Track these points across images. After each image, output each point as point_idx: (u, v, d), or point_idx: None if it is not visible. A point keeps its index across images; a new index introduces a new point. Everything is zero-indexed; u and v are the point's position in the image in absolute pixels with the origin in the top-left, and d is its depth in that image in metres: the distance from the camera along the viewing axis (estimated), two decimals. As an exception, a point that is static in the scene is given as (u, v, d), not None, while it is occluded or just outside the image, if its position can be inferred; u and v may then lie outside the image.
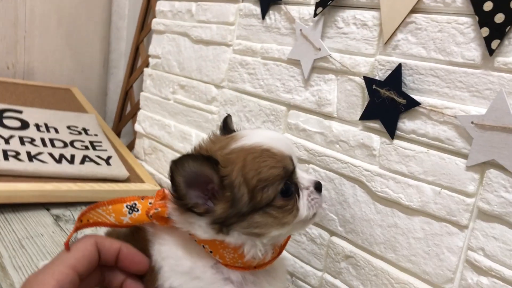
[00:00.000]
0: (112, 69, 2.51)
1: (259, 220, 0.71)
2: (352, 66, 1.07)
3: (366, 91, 1.04)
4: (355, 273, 1.09)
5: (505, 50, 0.83)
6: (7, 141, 1.56)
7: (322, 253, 1.17)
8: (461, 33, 0.89)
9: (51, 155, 1.57)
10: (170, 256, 0.75)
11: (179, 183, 0.69)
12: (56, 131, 1.75)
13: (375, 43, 1.04)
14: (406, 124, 0.98)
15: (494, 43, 0.83)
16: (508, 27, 0.81)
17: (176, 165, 0.68)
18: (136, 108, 2.03)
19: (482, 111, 0.86)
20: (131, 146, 2.01)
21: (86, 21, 2.37)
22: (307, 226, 0.85)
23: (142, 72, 2.02)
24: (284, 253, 0.88)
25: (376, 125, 1.03)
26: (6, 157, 1.47)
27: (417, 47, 0.97)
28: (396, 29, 1.00)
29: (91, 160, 1.63)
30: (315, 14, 1.13)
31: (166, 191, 0.77)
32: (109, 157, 1.69)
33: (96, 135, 1.84)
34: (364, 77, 1.04)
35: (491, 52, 0.84)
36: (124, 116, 2.26)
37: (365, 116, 1.05)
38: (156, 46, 1.78)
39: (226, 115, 0.96)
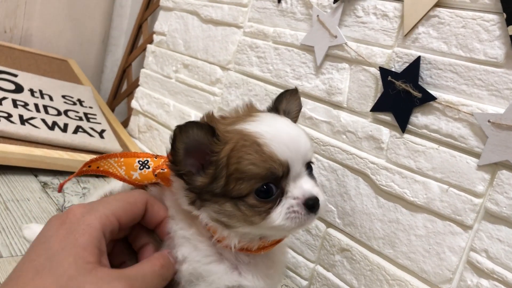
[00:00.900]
0: (111, 46, 2.46)
1: (228, 209, 0.68)
2: (368, 57, 1.05)
3: (380, 82, 1.02)
4: (349, 267, 1.07)
5: (531, 50, 0.82)
6: (0, 102, 1.51)
7: (316, 244, 1.14)
8: (485, 30, 0.88)
9: (43, 121, 1.52)
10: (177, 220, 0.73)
11: (179, 149, 0.67)
12: (51, 98, 1.70)
13: (394, 35, 1.02)
14: (419, 118, 0.96)
15: (521, 42, 0.82)
16: (537, 27, 0.80)
17: (181, 131, 0.66)
18: (133, 86, 1.99)
19: (500, 111, 0.85)
20: (125, 124, 1.96)
21: (91, -6, 2.33)
22: (289, 233, 0.76)
23: (143, 50, 1.98)
24: (287, 240, 0.84)
25: (387, 117, 1.01)
26: (-3, 117, 1.42)
27: (438, 42, 0.95)
28: (418, 22, 0.98)
29: (85, 131, 1.58)
30: (335, 1, 1.11)
31: None
32: (102, 131, 1.65)
33: (91, 107, 1.79)
34: (380, 67, 1.02)
35: (516, 50, 0.83)
36: (119, 94, 2.21)
37: (376, 108, 1.03)
38: (162, 23, 1.75)
39: (279, 94, 0.85)
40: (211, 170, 0.68)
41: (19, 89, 1.66)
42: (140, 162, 0.76)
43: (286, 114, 0.82)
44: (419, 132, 0.96)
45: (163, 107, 1.67)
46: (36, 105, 1.60)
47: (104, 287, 0.57)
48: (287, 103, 0.82)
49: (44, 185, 1.36)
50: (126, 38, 2.29)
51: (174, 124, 1.56)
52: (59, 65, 2.11)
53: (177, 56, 1.64)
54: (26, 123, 1.46)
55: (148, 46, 1.82)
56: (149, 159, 0.76)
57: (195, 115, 1.53)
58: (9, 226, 1.09)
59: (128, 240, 0.73)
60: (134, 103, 1.83)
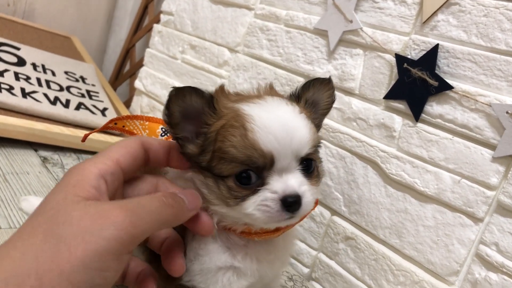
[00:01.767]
0: (115, 26, 2.43)
1: (210, 184, 0.66)
2: (384, 43, 1.03)
3: (395, 69, 1.00)
4: (353, 255, 1.05)
5: (555, 41, 0.80)
6: (1, 73, 1.47)
7: (320, 232, 1.13)
8: (508, 20, 0.86)
9: (45, 95, 1.49)
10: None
11: (173, 112, 0.65)
12: (53, 73, 1.67)
13: (411, 22, 1.00)
14: (433, 107, 0.94)
15: (545, 32, 0.80)
16: None
17: (176, 94, 0.64)
18: (136, 67, 1.96)
19: (519, 102, 0.83)
20: (126, 105, 1.93)
21: (97, -29, 2.29)
22: (265, 225, 0.68)
23: (148, 31, 1.95)
24: (297, 228, 0.82)
25: (400, 105, 0.99)
26: (-1, 89, 1.39)
27: (457, 30, 0.93)
28: (438, 10, 0.96)
29: (87, 108, 1.55)
30: (352, -15, 1.09)
31: None
32: (105, 109, 1.62)
33: (93, 85, 1.76)
34: (396, 54, 1.00)
35: (540, 41, 0.81)
36: (121, 75, 2.18)
37: (390, 95, 1.01)
38: (170, 2, 1.71)
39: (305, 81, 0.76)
40: (200, 141, 0.67)
41: (21, 62, 1.62)
42: (163, 129, 0.76)
43: (312, 105, 0.75)
44: (433, 121, 0.94)
45: (167, 87, 1.64)
46: (38, 79, 1.57)
47: (92, 211, 0.53)
48: (314, 92, 0.75)
49: (44, 160, 1.33)
50: (130, 19, 2.26)
51: (178, 105, 1.54)
52: (62, 42, 2.07)
53: (184, 37, 1.61)
54: (28, 97, 1.43)
55: (155, 25, 1.79)
56: None
57: (200, 97, 1.51)
58: (8, 198, 1.06)
59: None
60: (137, 83, 1.81)
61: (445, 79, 0.92)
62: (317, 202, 0.79)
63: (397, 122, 1.00)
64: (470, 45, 0.91)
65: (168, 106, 0.65)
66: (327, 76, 0.76)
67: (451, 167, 0.91)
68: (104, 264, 0.51)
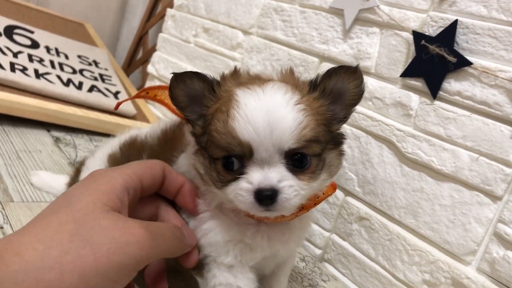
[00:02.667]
0: (128, 14, 2.43)
1: (207, 165, 0.67)
2: (401, 21, 1.01)
3: (412, 47, 0.98)
4: (367, 236, 1.03)
5: None
6: (15, 55, 1.48)
7: (333, 213, 1.11)
8: (531, -7, 0.84)
9: (59, 77, 1.49)
10: None
11: (177, 96, 0.68)
12: (66, 57, 1.67)
13: (430, -2, 0.98)
14: (451, 84, 0.92)
15: None
16: None
17: (176, 79, 0.67)
18: (149, 54, 1.95)
19: (541, 77, 0.81)
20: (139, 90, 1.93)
21: (111, -42, 2.29)
22: (251, 212, 0.66)
23: (161, 18, 1.94)
24: (313, 212, 0.80)
25: (417, 83, 0.97)
26: (13, 69, 1.39)
27: (477, 6, 0.91)
28: (457, -15, 0.94)
29: (99, 90, 1.55)
30: (369, -38, 1.07)
31: None
32: (117, 92, 1.62)
33: (106, 69, 1.76)
34: (413, 31, 0.98)
35: None
36: (134, 61, 2.18)
37: (407, 73, 0.99)
38: (184, -14, 1.71)
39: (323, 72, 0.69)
40: (201, 123, 0.68)
41: (35, 45, 1.63)
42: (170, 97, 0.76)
43: (335, 96, 0.68)
44: (451, 98, 0.92)
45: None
46: (51, 62, 1.57)
47: (121, 225, 0.56)
48: (337, 81, 0.67)
49: (57, 139, 1.33)
50: (143, 7, 2.26)
51: (190, 89, 1.53)
52: (75, 28, 2.08)
53: (197, 20, 1.61)
54: (41, 78, 1.43)
55: (168, 10, 1.78)
56: None
57: (213, 80, 1.50)
58: (20, 173, 1.06)
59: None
60: (150, 68, 1.80)
61: (464, 55, 0.90)
62: (335, 187, 0.77)
63: (414, 100, 0.98)
64: (490, 20, 0.89)
65: (171, 91, 0.68)
66: (354, 64, 0.69)
67: (469, 144, 0.89)
68: (119, 276, 0.55)
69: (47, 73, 1.48)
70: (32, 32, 1.70)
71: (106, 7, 2.37)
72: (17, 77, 1.36)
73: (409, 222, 0.97)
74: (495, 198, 0.86)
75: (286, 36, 1.27)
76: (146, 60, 2.02)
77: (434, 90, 0.94)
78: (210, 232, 0.71)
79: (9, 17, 1.70)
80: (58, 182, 1.04)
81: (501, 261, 0.83)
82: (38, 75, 1.44)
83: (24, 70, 1.42)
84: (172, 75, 0.68)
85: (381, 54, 1.05)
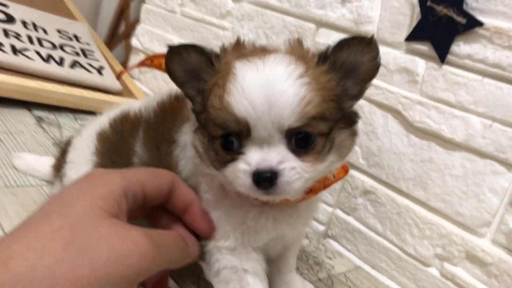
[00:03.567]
0: (108, -14, 2.31)
1: (206, 143, 0.63)
2: (404, -20, 0.95)
3: (417, 9, 0.92)
4: (373, 210, 0.99)
5: None
6: (-11, 30, 1.38)
7: (336, 187, 1.06)
8: None
9: (38, 53, 1.40)
10: None
11: (175, 71, 0.63)
12: (45, 32, 1.57)
13: (436, -45, 0.92)
14: (461, 47, 0.86)
15: None
16: None
17: (172, 53, 0.62)
18: (131, 28, 1.86)
19: (560, 36, 0.75)
20: (123, 65, 1.84)
21: None
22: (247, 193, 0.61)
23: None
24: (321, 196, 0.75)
25: (423, 47, 0.92)
26: (-13, 45, 1.30)
27: (488, -39, 0.84)
28: None
29: (82, 66, 1.47)
30: None
31: None
32: (101, 67, 1.53)
33: (88, 44, 1.67)
34: (418, -9, 0.91)
35: None
36: (116, 36, 2.08)
37: (413, 37, 0.93)
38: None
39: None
40: (200, 99, 0.63)
41: (10, 19, 1.53)
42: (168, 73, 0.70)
43: (347, 70, 0.61)
44: (461, 62, 0.87)
45: (166, 44, 1.55)
46: (29, 37, 1.48)
47: (121, 233, 0.52)
48: (350, 54, 0.60)
49: (39, 119, 1.26)
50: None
51: (178, 62, 1.45)
52: (53, 2, 1.96)
53: (183, -12, 1.52)
54: (19, 54, 1.34)
55: (150, -21, 1.68)
56: None
57: (203, 52, 1.42)
58: (2, 157, 1.00)
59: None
60: (134, 41, 1.71)
61: (474, 16, 0.84)
62: (347, 170, 0.72)
63: (420, 65, 0.92)
64: (503, -24, 0.83)
65: (167, 66, 0.63)
66: (369, 35, 0.61)
67: (481, 110, 0.84)
68: None
69: (25, 49, 1.39)
70: (6, 6, 1.60)
71: (84, -21, 2.26)
72: (-7, 54, 1.27)
73: (419, 195, 0.92)
74: (510, 166, 0.81)
75: (279, 1, 1.20)
76: (128, 33, 1.92)
77: (442, 54, 0.89)
78: (217, 210, 0.67)
79: (-20, -10, 1.60)
80: (43, 164, 0.97)
81: (518, 232, 0.79)
82: (15, 51, 1.35)
83: (-1, 46, 1.33)
84: (167, 48, 0.62)
85: (383, 17, 0.99)
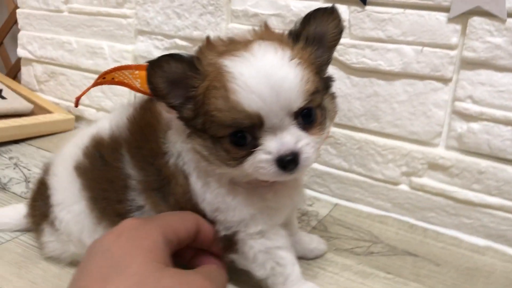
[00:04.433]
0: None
1: (209, 145, 0.64)
2: None
3: (326, -42, 0.97)
4: (335, 152, 1.08)
5: None
6: None
7: (294, 141, 1.13)
8: None
9: None
10: None
11: (158, 84, 0.63)
12: None
13: None
14: (378, -14, 0.94)
15: None
16: None
17: (153, 67, 0.62)
18: (2, 34, 1.69)
19: (462, -41, 0.86)
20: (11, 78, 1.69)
21: None
22: (270, 180, 0.66)
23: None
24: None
25: (343, -7, 0.98)
26: None
27: None
28: None
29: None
30: None
31: None
32: None
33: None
34: None
35: None
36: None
37: (330, -14, 0.99)
38: None
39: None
40: (191, 105, 0.64)
41: None
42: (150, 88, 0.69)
43: (316, 40, 0.66)
44: (381, 0, 0.95)
45: (63, 46, 1.45)
46: None
47: (184, 281, 0.54)
48: (317, 26, 0.65)
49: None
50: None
51: (83, 62, 1.39)
52: None
53: (62, -16, 1.41)
54: None
55: (17, -20, 1.53)
56: None
57: (109, 46, 1.36)
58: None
59: None
60: (21, 51, 1.57)
61: (382, -45, 0.92)
62: (326, 137, 0.78)
63: (344, 11, 0.99)
64: None
65: (150, 81, 0.63)
66: (330, 5, 0.66)
67: (410, 39, 0.94)
68: None
69: None
70: None
71: None
72: None
73: (373, 126, 1.02)
74: (446, 80, 0.93)
75: (181, -23, 1.18)
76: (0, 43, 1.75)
77: (363, -4, 0.96)
78: (233, 210, 0.69)
79: None
80: (7, 215, 0.92)
81: (467, 134, 0.93)
82: None
83: None
84: (147, 63, 0.62)
85: (295, -27, 1.03)
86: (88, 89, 0.79)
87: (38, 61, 1.55)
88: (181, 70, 0.62)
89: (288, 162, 0.60)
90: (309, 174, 1.13)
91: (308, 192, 1.14)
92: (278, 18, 1.07)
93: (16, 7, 1.57)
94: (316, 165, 1.12)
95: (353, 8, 0.98)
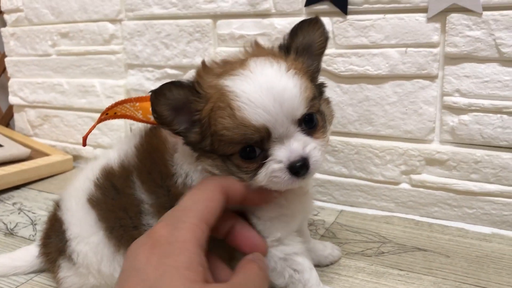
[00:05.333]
0: None
1: (219, 164, 0.67)
2: (282, -46, 1.03)
3: (304, -25, 1.02)
4: (333, 159, 1.10)
5: None
6: None
7: (292, 153, 1.15)
8: None
9: None
10: None
11: (162, 112, 0.65)
12: None
13: None
14: (356, -4, 0.98)
15: None
16: None
17: (156, 96, 0.64)
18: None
19: (432, -39, 0.90)
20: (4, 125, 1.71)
21: None
22: (283, 189, 0.67)
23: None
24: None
25: (324, 6, 1.02)
26: None
27: None
28: None
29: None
30: None
31: None
32: (-6, 142, 1.42)
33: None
34: (300, -40, 1.01)
35: None
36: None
37: (310, 1, 1.03)
38: (10, -2, 1.50)
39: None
40: (197, 128, 0.66)
41: None
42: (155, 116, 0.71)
43: (305, 50, 0.70)
44: (361, 8, 0.99)
45: (55, 88, 1.48)
46: None
47: None
48: (304, 36, 0.69)
49: (-30, 217, 1.15)
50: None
51: (76, 102, 1.41)
52: None
53: (48, 28, 1.44)
54: None
55: (3, 30, 1.56)
56: None
57: (100, 83, 1.38)
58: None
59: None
60: (13, 99, 1.59)
61: (357, -34, 0.96)
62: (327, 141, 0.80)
63: (327, 23, 1.03)
64: None
65: (154, 109, 0.64)
66: (314, 16, 0.71)
67: (393, 42, 0.98)
68: None
69: None
70: None
71: None
72: None
73: (368, 130, 1.05)
74: (432, 78, 0.97)
75: (165, 9, 1.21)
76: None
77: (343, 7, 1.00)
78: (258, 211, 0.70)
79: None
80: (19, 258, 0.92)
81: (459, 126, 0.96)
82: None
83: None
84: (151, 93, 0.64)
85: (275, -8, 1.07)
86: (93, 127, 0.80)
87: (30, 106, 1.57)
88: (183, 96, 0.64)
89: (300, 167, 0.62)
90: (311, 183, 1.15)
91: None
92: (264, 37, 1.10)
93: (4, 55, 1.59)
94: (317, 175, 1.13)
95: (335, 19, 1.02)
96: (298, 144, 0.63)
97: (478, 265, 0.86)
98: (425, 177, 1.01)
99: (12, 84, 1.58)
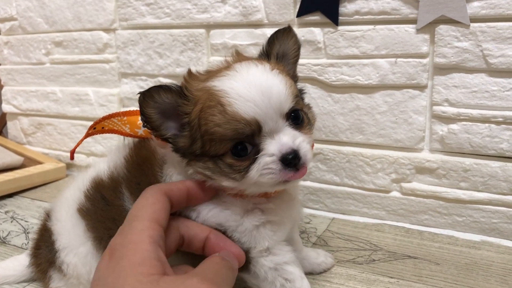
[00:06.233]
0: None
1: (211, 166, 0.68)
2: (274, -35, 1.05)
3: (296, -14, 1.03)
4: (325, 168, 1.11)
5: None
6: None
7: (284, 162, 1.16)
8: None
9: None
10: None
11: (150, 115, 0.66)
12: None
13: None
14: (347, 7, 1.00)
15: None
16: None
17: (144, 98, 0.65)
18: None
19: (421, -26, 0.92)
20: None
21: None
22: (274, 188, 0.70)
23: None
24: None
25: (315, 17, 1.04)
26: None
27: None
28: None
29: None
30: None
31: None
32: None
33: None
34: (292, -29, 1.02)
35: None
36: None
37: (303, 11, 1.04)
38: (5, 6, 1.50)
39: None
40: (187, 132, 0.67)
41: None
42: (143, 120, 0.72)
43: (282, 57, 0.75)
44: (352, 19, 1.01)
45: (48, 97, 1.48)
46: None
47: (180, 287, 0.53)
48: (280, 44, 0.74)
49: (-38, 226, 1.15)
50: None
51: (70, 110, 1.42)
52: None
53: (42, 37, 1.45)
54: None
55: (-3, 38, 1.57)
56: None
57: (94, 92, 1.39)
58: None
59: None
60: (6, 107, 1.59)
61: (347, -22, 0.98)
62: (312, 145, 0.81)
63: (318, 34, 1.04)
64: None
65: (143, 111, 0.65)
66: (287, 26, 0.75)
67: (383, 53, 0.99)
68: None
69: None
70: None
71: None
72: None
73: (359, 139, 1.06)
74: (422, 87, 0.98)
75: (158, 18, 1.23)
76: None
77: (334, 18, 1.01)
78: (239, 226, 0.70)
79: None
80: (10, 268, 0.92)
81: (448, 135, 0.97)
82: None
83: None
84: (139, 94, 0.65)
85: (267, 3, 1.08)
86: (81, 141, 0.81)
87: (24, 114, 1.57)
88: (171, 99, 0.66)
89: (292, 159, 0.64)
90: (303, 192, 1.16)
91: (304, 209, 1.17)
92: (257, 47, 1.11)
93: (-3, 64, 1.60)
94: (308, 183, 1.15)
95: (326, 29, 1.03)
96: (288, 138, 0.65)
97: (468, 272, 0.87)
98: (415, 185, 1.03)
99: (6, 92, 1.59)
